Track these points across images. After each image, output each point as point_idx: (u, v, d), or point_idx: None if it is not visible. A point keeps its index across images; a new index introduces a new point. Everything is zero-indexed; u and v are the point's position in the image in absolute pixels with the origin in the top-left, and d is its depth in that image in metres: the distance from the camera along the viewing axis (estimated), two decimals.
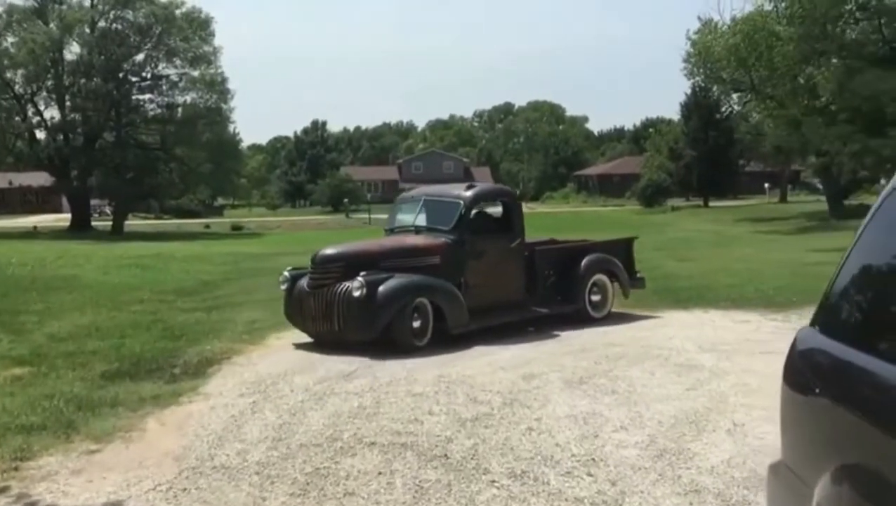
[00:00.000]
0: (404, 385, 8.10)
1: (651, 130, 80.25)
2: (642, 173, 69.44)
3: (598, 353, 9.62)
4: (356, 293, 9.69)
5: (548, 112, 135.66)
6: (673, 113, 73.50)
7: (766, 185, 71.69)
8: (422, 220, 11.27)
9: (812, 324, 3.31)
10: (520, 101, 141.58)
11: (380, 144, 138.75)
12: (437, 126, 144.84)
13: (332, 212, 78.44)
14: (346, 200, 73.99)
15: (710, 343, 10.13)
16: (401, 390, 7.91)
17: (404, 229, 11.43)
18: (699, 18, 46.46)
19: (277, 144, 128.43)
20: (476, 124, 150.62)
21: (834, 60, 24.68)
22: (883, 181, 58.89)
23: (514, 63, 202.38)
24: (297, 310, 10.41)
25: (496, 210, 11.83)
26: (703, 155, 60.56)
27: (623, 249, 12.80)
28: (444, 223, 10.87)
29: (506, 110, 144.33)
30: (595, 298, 11.97)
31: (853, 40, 23.82)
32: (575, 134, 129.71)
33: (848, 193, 48.82)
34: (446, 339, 10.07)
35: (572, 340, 10.53)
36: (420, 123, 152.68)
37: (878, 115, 21.49)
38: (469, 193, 11.05)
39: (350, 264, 10.11)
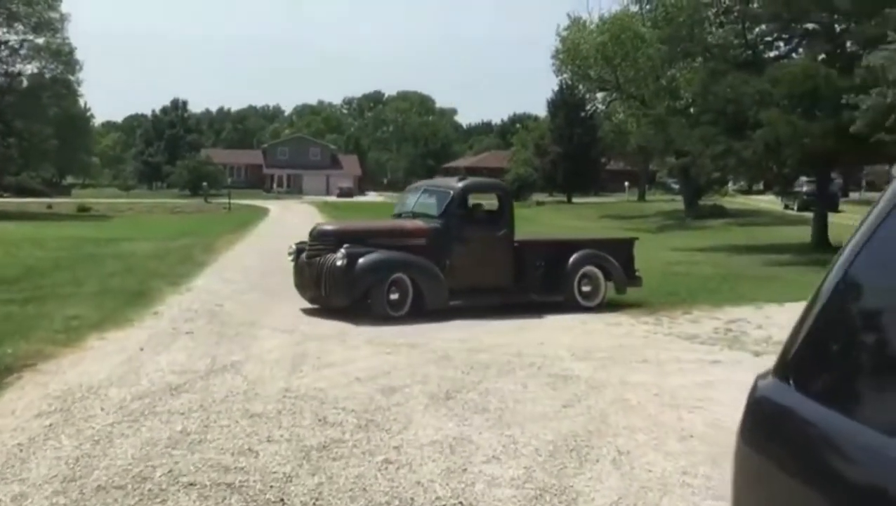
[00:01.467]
0: (242, 402, 6.90)
1: (518, 125, 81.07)
2: (509, 168, 69.87)
3: (464, 360, 8.72)
4: (338, 263, 10.94)
5: (417, 103, 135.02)
6: (540, 109, 74.45)
7: (626, 183, 73.73)
8: (418, 206, 12.54)
9: (778, 373, 2.42)
10: (390, 90, 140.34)
11: (244, 127, 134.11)
12: (305, 111, 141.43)
13: (191, 195, 74.73)
14: (204, 183, 70.50)
15: (584, 350, 9.45)
16: (237, 408, 6.71)
17: (404, 214, 12.66)
18: (569, 16, 46.88)
19: (134, 122, 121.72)
20: (345, 111, 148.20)
21: (699, 62, 24.94)
22: (733, 184, 61.32)
23: (385, 52, 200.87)
24: (299, 280, 11.94)
25: (491, 202, 12.89)
26: (567, 152, 61.40)
27: (624, 249, 13.30)
28: (435, 210, 12.09)
29: (375, 99, 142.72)
30: (586, 288, 12.60)
31: (718, 44, 24.10)
32: (444, 126, 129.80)
33: (701, 194, 50.60)
34: (423, 314, 11.01)
35: (436, 344, 9.59)
36: (287, 108, 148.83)
37: (740, 117, 21.76)
38: (459, 185, 12.27)
39: (341, 239, 11.45)
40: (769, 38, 24.32)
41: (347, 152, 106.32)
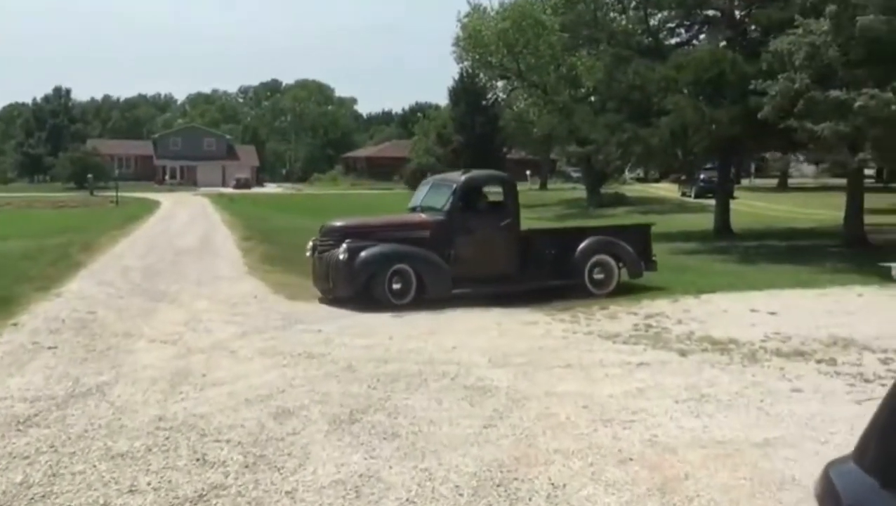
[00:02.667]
0: (104, 438, 5.77)
1: (420, 114, 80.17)
2: (411, 157, 68.89)
3: (370, 372, 7.78)
4: (341, 256, 11.60)
5: (316, 92, 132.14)
6: (442, 98, 73.74)
7: (528, 172, 73.89)
8: (426, 200, 13.10)
9: (861, 461, 1.66)
10: (287, 78, 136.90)
11: (133, 117, 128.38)
12: (199, 100, 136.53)
13: (77, 188, 70.75)
14: (90, 176, 66.72)
15: (501, 354, 8.63)
16: (96, 447, 5.58)
17: (417, 208, 13.16)
18: (469, 2, 46.13)
19: (13, 111, 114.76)
20: (241, 100, 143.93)
21: (602, 49, 24.59)
22: (630, 172, 62.31)
23: (282, 39, 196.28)
24: (314, 274, 12.50)
25: (497, 193, 13.27)
26: (470, 141, 60.67)
27: (639, 235, 13.72)
28: (439, 203, 12.57)
29: (273, 87, 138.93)
30: (598, 276, 12.82)
31: (622, 29, 23.80)
32: (343, 115, 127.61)
33: (603, 182, 50.99)
34: (426, 302, 11.43)
35: (338, 354, 8.61)
36: (179, 97, 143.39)
37: (645, 104, 21.47)
38: (462, 179, 12.80)
39: (348, 234, 12.10)
40: (671, 25, 24.18)
41: (244, 143, 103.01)
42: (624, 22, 24.68)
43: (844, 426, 6.12)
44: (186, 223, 31.44)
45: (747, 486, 4.94)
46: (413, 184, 64.18)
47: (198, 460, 5.34)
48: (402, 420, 6.26)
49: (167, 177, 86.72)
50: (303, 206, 45.94)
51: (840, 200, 35.78)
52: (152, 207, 44.57)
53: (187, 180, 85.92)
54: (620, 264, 13.08)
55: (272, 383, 7.34)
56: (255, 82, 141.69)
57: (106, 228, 27.34)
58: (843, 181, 55.83)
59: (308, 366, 8.06)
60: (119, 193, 51.61)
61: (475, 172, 13.80)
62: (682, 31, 24.92)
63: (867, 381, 7.48)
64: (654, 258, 13.61)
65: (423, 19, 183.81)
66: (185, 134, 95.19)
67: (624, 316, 11.08)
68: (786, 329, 9.95)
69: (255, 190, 76.25)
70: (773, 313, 11.12)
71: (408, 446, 5.66)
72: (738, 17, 22.26)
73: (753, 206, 37.00)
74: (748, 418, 6.36)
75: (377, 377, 7.58)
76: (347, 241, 11.79)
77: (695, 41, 24.29)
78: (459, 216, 12.32)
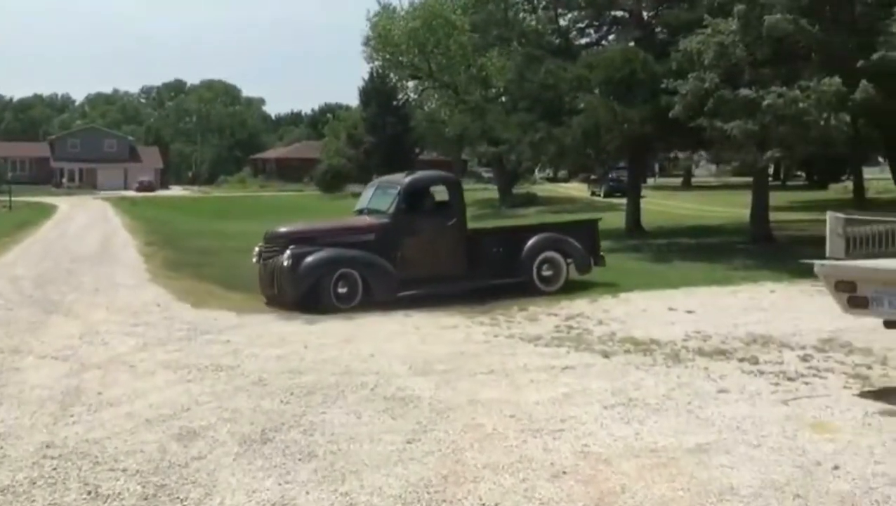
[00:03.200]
0: None
1: (330, 115, 79.16)
2: (321, 158, 67.89)
3: (283, 385, 7.29)
4: (285, 263, 11.56)
5: (222, 92, 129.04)
6: (353, 99, 72.96)
7: (438, 171, 73.78)
8: (372, 203, 13.15)
9: None
10: (192, 78, 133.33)
11: (28, 118, 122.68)
12: (99, 101, 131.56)
13: None
14: None
15: (422, 361, 8.27)
16: None
17: (364, 211, 13.19)
18: (378, 1, 45.67)
19: None
20: (144, 101, 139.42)
21: (513, 48, 24.53)
22: (539, 172, 62.75)
23: (187, 38, 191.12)
24: (260, 280, 12.35)
25: (442, 193, 13.14)
26: (381, 141, 60.24)
27: (586, 230, 13.91)
28: (384, 206, 12.64)
29: (177, 88, 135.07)
30: (547, 273, 12.97)
31: (532, 29, 23.79)
32: (251, 116, 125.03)
33: (515, 183, 51.29)
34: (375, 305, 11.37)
35: (248, 365, 8.08)
36: (78, 97, 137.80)
37: (557, 103, 21.47)
38: (406, 180, 12.81)
39: (292, 240, 12.04)
40: (581, 25, 24.31)
41: (147, 144, 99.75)
42: (534, 23, 24.67)
43: (775, 428, 6.00)
44: (84, 228, 29.95)
45: (686, 498, 4.71)
46: (324, 185, 63.62)
47: (90, 492, 4.78)
48: (319, 438, 5.83)
49: (65, 180, 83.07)
50: (209, 209, 44.66)
51: (741, 197, 36.98)
52: (49, 211, 42.47)
53: (87, 183, 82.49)
54: (569, 261, 13.23)
55: (175, 401, 6.77)
56: (158, 82, 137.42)
57: None
58: (743, 179, 57.62)
59: (215, 380, 7.51)
60: (12, 198, 48.99)
61: (420, 173, 13.90)
62: (592, 31, 25.11)
63: (790, 379, 7.43)
64: (601, 253, 13.87)
65: (334, 16, 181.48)
66: (84, 135, 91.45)
67: (544, 318, 10.88)
68: (705, 328, 9.92)
69: (160, 193, 73.85)
70: (690, 312, 11.12)
71: (326, 467, 5.23)
72: (646, 17, 22.52)
73: (661, 204, 37.78)
74: (679, 423, 6.17)
75: (291, 390, 7.10)
76: (291, 247, 11.76)
77: (604, 41, 24.47)
78: (405, 218, 12.36)
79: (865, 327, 8.73)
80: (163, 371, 7.85)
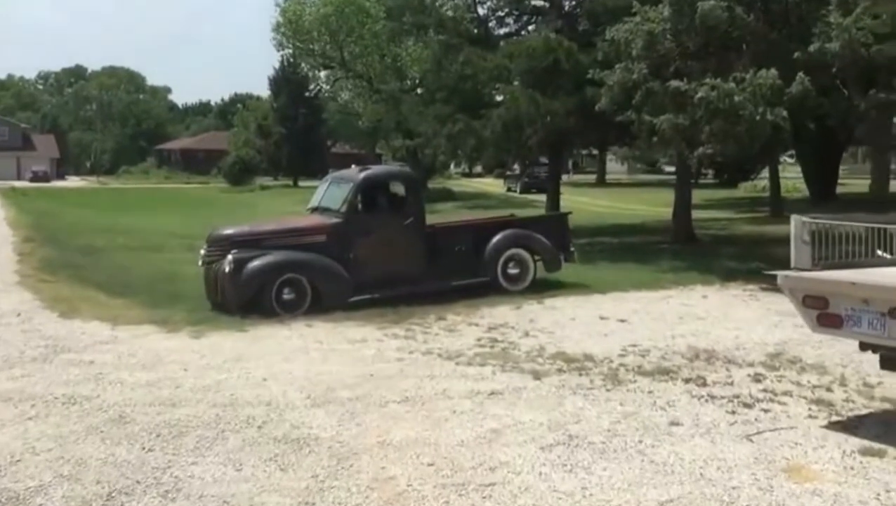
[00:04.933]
0: None
1: (240, 105, 76.54)
2: (230, 150, 65.36)
3: (149, 423, 5.92)
4: (227, 268, 10.67)
5: (126, 79, 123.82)
6: (262, 89, 70.60)
7: (353, 166, 72.09)
8: (325, 200, 12.23)
9: None
10: (93, 65, 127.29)
11: None
12: None
13: None
14: None
15: (324, 386, 7.01)
16: None
17: (316, 209, 12.29)
18: None
19: None
20: (41, 87, 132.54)
21: (430, 36, 23.35)
22: (454, 167, 62.08)
23: (87, 23, 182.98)
24: (205, 286, 11.30)
25: (399, 189, 12.29)
26: (292, 133, 58.34)
27: (555, 225, 13.33)
28: (336, 204, 11.77)
29: (77, 74, 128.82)
30: (512, 271, 12.29)
31: (451, 17, 22.63)
32: (157, 105, 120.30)
33: (428, 177, 50.21)
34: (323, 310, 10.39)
35: (110, 394, 6.66)
36: None
37: (476, 94, 20.42)
38: (360, 176, 11.86)
39: (235, 243, 11.12)
40: (500, 14, 23.31)
41: (43, 132, 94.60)
42: (451, 12, 23.55)
43: (745, 476, 5.01)
44: None
45: None
46: (231, 177, 61.21)
47: None
48: (182, 504, 4.52)
49: None
50: (105, 201, 41.99)
51: (656, 195, 36.93)
52: None
53: None
54: (536, 258, 12.51)
55: (4, 449, 5.34)
56: (56, 68, 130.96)
57: None
58: (655, 177, 58.03)
59: (64, 417, 6.08)
60: None
61: (374, 169, 13.05)
62: (511, 21, 24.14)
63: (747, 405, 6.50)
64: (572, 249, 13.10)
65: (246, 0, 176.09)
66: None
67: (464, 328, 9.75)
68: (641, 340, 8.98)
69: (55, 184, 69.80)
70: (623, 321, 10.18)
71: None
72: (567, 7, 21.67)
73: (577, 201, 37.16)
74: (631, 471, 5.10)
75: (157, 432, 5.75)
76: (234, 251, 10.86)
77: (524, 32, 23.52)
78: (357, 217, 11.60)
79: (812, 339, 7.96)
80: (0, 405, 6.35)
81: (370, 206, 11.84)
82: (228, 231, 11.76)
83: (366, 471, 5.07)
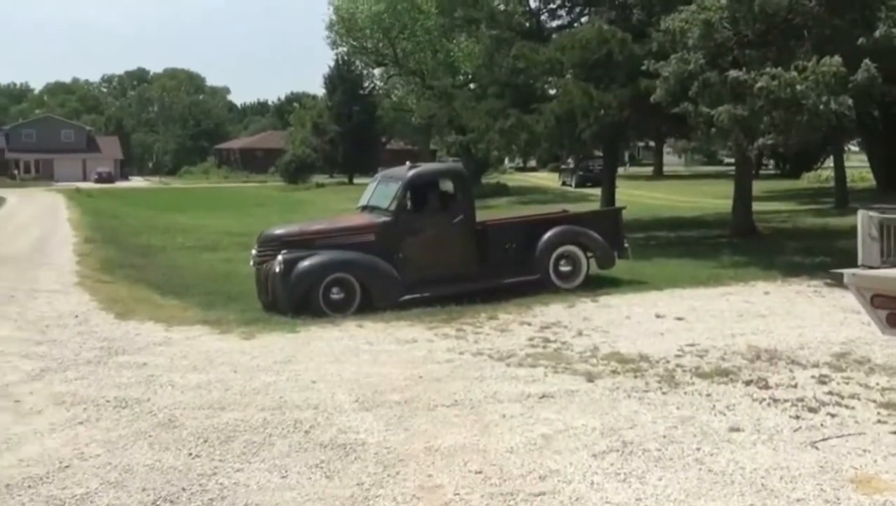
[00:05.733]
0: None
1: (296, 104, 77.32)
2: (286, 148, 66.10)
3: (196, 428, 5.91)
4: (277, 269, 10.67)
5: (186, 81, 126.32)
6: (318, 88, 71.18)
7: (408, 163, 72.19)
8: (374, 199, 12.14)
9: None
10: (155, 67, 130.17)
11: None
12: (58, 90, 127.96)
13: None
14: None
15: (372, 390, 6.92)
16: None
17: (366, 207, 12.23)
18: None
19: None
20: (105, 90, 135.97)
21: (482, 31, 23.14)
22: (508, 162, 61.77)
23: (149, 26, 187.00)
24: (256, 286, 11.36)
25: (448, 187, 12.11)
26: (347, 131, 58.71)
27: (608, 220, 13.09)
28: (385, 202, 11.64)
29: (139, 76, 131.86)
30: (565, 269, 12.09)
31: (502, 11, 22.38)
32: (216, 105, 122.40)
33: (482, 173, 49.99)
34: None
35: (160, 397, 6.67)
36: (37, 86, 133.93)
37: (529, 89, 20.15)
38: (409, 174, 11.73)
39: (285, 243, 11.15)
40: (552, 6, 22.96)
41: (107, 134, 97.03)
42: (503, 6, 23.31)
43: (811, 486, 4.75)
44: (25, 224, 28.11)
45: None
46: (288, 176, 61.88)
47: None
48: None
49: (20, 171, 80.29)
50: (166, 201, 42.80)
51: (715, 187, 36.10)
52: None
53: (44, 175, 79.84)
54: (589, 254, 12.27)
55: (54, 455, 5.36)
56: (119, 71, 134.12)
57: None
58: (714, 169, 56.78)
59: (114, 421, 6.10)
60: None
61: (423, 167, 12.95)
62: (564, 13, 23.77)
63: (811, 410, 6.20)
64: (625, 245, 12.81)
65: (302, 1, 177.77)
66: (40, 125, 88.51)
67: (516, 328, 9.58)
68: (699, 339, 8.69)
69: (119, 184, 71.54)
70: (680, 319, 9.88)
71: None
72: None
73: (633, 194, 36.60)
74: (688, 480, 4.88)
75: (204, 436, 5.72)
76: (283, 251, 10.86)
77: (576, 24, 23.15)
78: (406, 215, 11.48)
79: (881, 338, 7.58)
80: (53, 409, 6.42)
81: (419, 204, 11.72)
82: (278, 231, 11.78)
83: (412, 479, 4.96)
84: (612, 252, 12.45)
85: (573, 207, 15.66)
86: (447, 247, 11.58)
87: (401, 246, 11.25)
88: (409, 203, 11.57)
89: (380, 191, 12.17)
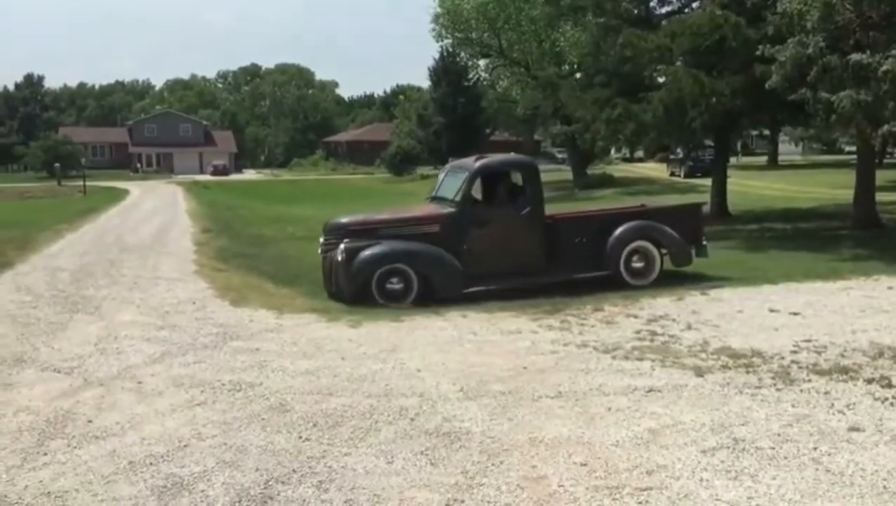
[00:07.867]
0: None
1: (401, 96, 78.26)
2: (392, 140, 67.04)
3: (306, 412, 6.07)
4: (339, 258, 10.84)
5: (296, 76, 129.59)
6: (423, 80, 71.81)
7: (512, 154, 72.06)
8: (442, 189, 12.06)
9: None
10: (267, 63, 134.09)
11: (108, 104, 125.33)
12: (177, 86, 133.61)
13: (49, 178, 68.35)
14: (56, 165, 64.01)
15: (477, 379, 6.94)
16: None
17: (432, 198, 12.24)
18: None
19: None
20: (220, 86, 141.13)
21: (588, 19, 22.84)
22: (615, 152, 60.71)
23: (261, 23, 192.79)
24: (323, 275, 11.56)
25: (517, 178, 11.95)
26: (451, 122, 58.96)
27: (686, 217, 12.52)
28: (451, 193, 11.56)
29: (252, 72, 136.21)
30: (637, 265, 11.75)
31: None
32: (325, 99, 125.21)
33: (589, 163, 49.35)
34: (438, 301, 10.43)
35: (272, 382, 6.89)
36: (157, 83, 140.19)
37: (636, 77, 19.74)
38: (476, 165, 11.59)
39: (350, 232, 11.26)
40: None
41: (222, 128, 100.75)
42: None
43: None
44: (147, 214, 29.53)
45: None
46: (393, 167, 62.80)
47: None
48: (335, 495, 4.57)
49: (143, 164, 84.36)
50: (277, 193, 44.17)
51: (834, 177, 34.47)
52: (119, 196, 42.56)
53: (164, 168, 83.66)
54: (663, 251, 11.91)
55: (173, 434, 5.62)
56: (234, 67, 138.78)
57: (60, 219, 25.39)
58: (834, 158, 54.28)
59: (229, 404, 6.34)
60: (89, 183, 49.49)
61: (491, 157, 12.58)
62: None
63: None
64: (704, 243, 12.31)
65: None
66: (160, 120, 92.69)
67: (622, 320, 9.41)
68: (817, 335, 8.33)
69: (233, 177, 74.21)
70: (795, 314, 9.49)
71: None
72: None
73: (747, 185, 35.43)
74: (804, 481, 4.70)
75: (314, 421, 5.87)
76: (346, 240, 11.00)
77: (687, 9, 22.54)
78: (472, 207, 11.37)
79: None
80: (172, 390, 6.72)
81: (486, 196, 11.62)
82: (344, 220, 11.84)
83: (516, 469, 4.95)
84: (689, 249, 12.03)
85: (682, 199, 15.29)
86: (514, 240, 11.41)
87: (466, 238, 11.16)
88: (475, 194, 11.48)
89: (448, 182, 12.08)
